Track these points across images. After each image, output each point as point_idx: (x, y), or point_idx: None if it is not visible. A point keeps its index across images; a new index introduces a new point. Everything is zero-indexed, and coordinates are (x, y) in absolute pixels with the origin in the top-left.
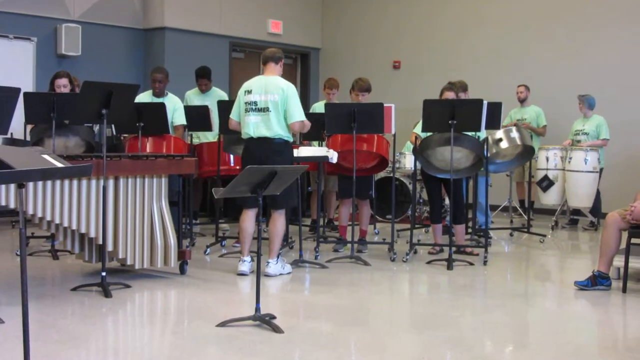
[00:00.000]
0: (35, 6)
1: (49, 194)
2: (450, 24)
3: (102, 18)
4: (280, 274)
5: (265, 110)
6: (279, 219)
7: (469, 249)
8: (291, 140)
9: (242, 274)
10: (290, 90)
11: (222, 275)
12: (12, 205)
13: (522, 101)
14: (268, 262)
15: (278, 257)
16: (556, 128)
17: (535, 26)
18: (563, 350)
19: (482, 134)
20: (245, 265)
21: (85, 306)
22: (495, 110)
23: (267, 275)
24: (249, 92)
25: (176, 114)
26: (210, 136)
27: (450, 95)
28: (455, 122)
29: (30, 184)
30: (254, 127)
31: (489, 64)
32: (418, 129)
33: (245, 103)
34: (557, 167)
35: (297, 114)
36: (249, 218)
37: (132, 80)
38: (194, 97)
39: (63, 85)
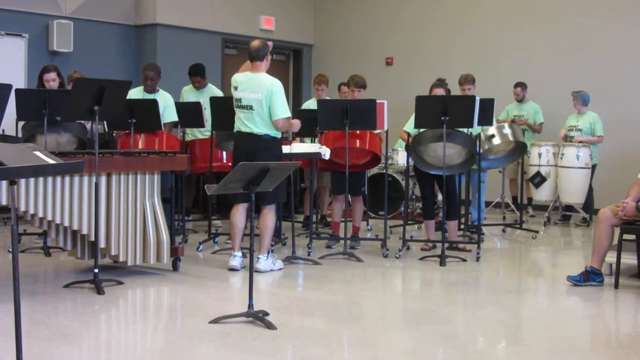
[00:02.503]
0: (26, 2)
1: (41, 191)
2: (443, 21)
3: (94, 14)
4: (271, 270)
5: (249, 108)
6: (268, 215)
7: (461, 245)
8: (279, 136)
9: (233, 269)
10: (275, 87)
11: (214, 272)
12: (3, 202)
13: (520, 101)
14: (258, 258)
15: (268, 253)
16: (550, 124)
17: (529, 23)
18: (555, 346)
19: (475, 130)
20: (237, 260)
21: (78, 303)
22: (487, 106)
23: (257, 271)
24: (236, 88)
25: (166, 111)
26: (201, 133)
27: (439, 92)
28: (447, 118)
29: (22, 181)
30: (240, 123)
31: (482, 61)
32: (408, 127)
33: (234, 99)
34: (549, 164)
35: (281, 111)
36: (239, 213)
37: (124, 77)
38: (190, 94)
39: (52, 79)
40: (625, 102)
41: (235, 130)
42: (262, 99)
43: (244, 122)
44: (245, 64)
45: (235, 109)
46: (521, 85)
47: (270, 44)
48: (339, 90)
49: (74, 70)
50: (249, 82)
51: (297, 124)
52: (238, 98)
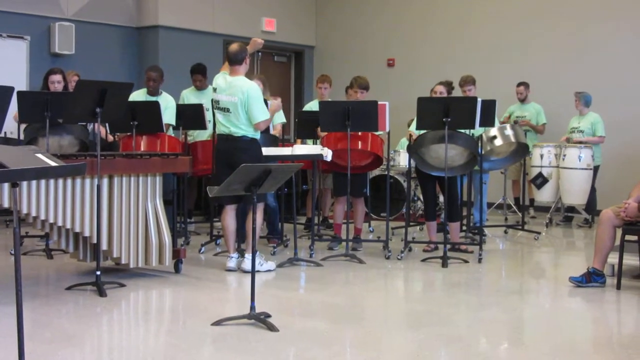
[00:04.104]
0: (28, 4)
1: (43, 193)
2: (444, 22)
3: (95, 16)
4: (258, 271)
5: (226, 110)
6: (256, 213)
7: (463, 247)
8: (258, 137)
9: (230, 270)
10: (251, 91)
11: (216, 274)
12: (5, 205)
13: (522, 101)
14: (245, 257)
15: (256, 252)
16: (552, 125)
17: (531, 24)
18: (558, 347)
19: (477, 131)
20: (233, 261)
21: (80, 305)
22: (489, 107)
23: (245, 271)
24: (215, 90)
25: (165, 112)
26: (204, 134)
27: (439, 88)
28: (449, 119)
29: (24, 183)
30: (219, 124)
31: (484, 61)
32: (414, 128)
33: (213, 100)
34: (551, 165)
35: (258, 114)
36: (229, 215)
37: (125, 79)
38: (190, 96)
39: (57, 81)
40: (628, 103)
41: (217, 131)
42: (237, 102)
43: (222, 124)
44: (226, 64)
45: (214, 110)
46: (524, 84)
47: (260, 41)
48: (347, 93)
49: (71, 70)
50: (227, 85)
51: (275, 105)
52: (217, 100)
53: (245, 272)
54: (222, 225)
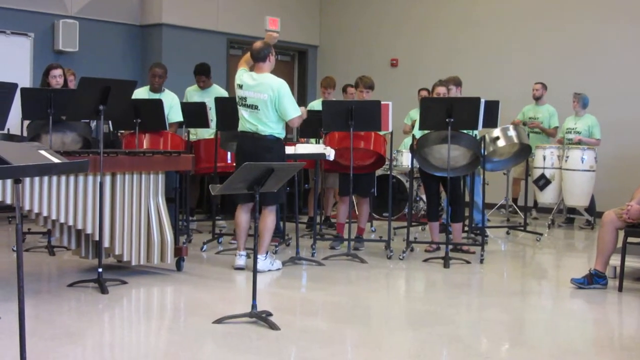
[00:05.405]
0: (32, 2)
1: (46, 190)
2: (448, 22)
3: (99, 14)
4: (269, 270)
5: (254, 107)
6: (269, 215)
7: (465, 247)
8: (283, 136)
9: (239, 268)
10: (282, 89)
11: (218, 272)
12: (8, 201)
13: (538, 99)
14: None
15: (267, 253)
16: None
17: (533, 25)
18: (559, 349)
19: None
20: (242, 259)
21: (82, 302)
22: (492, 108)
23: (258, 272)
24: (240, 86)
25: (172, 111)
26: (206, 133)
27: (441, 90)
28: (452, 120)
29: (27, 180)
30: (244, 121)
31: (487, 62)
32: (417, 131)
33: (238, 97)
34: (553, 166)
35: (292, 111)
36: (243, 213)
37: (129, 77)
38: (194, 94)
39: (58, 75)
40: (627, 104)
41: (239, 129)
42: (267, 99)
43: (248, 120)
44: (243, 58)
45: (238, 107)
46: (542, 83)
47: (275, 35)
48: (344, 91)
49: (69, 67)
50: (255, 83)
51: (303, 111)
52: (243, 97)
53: (258, 272)
54: (235, 222)
